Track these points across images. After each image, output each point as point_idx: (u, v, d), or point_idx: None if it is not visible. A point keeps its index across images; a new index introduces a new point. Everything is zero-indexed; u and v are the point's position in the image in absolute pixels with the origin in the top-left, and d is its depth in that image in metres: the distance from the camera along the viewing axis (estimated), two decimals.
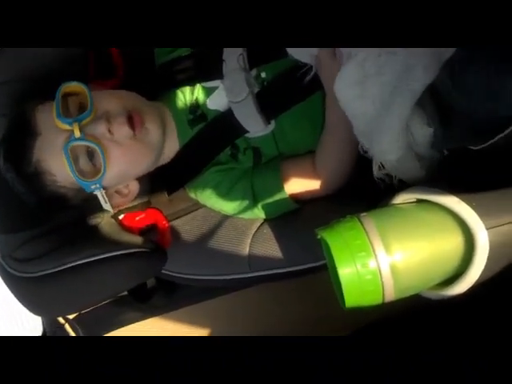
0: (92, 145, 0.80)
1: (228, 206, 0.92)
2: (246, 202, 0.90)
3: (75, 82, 0.84)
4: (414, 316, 0.75)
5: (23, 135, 0.82)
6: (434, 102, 0.61)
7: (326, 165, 0.88)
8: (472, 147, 0.57)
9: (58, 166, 0.81)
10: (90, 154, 0.82)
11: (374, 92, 0.64)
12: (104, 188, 0.86)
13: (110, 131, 0.82)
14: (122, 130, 0.82)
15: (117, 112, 0.83)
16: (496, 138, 0.53)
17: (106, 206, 0.89)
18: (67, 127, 0.80)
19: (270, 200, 0.89)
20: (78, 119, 0.80)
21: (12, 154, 0.83)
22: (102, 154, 0.81)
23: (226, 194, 0.91)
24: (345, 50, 0.71)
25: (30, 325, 1.58)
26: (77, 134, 0.79)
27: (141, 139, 0.84)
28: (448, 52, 0.57)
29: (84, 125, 0.80)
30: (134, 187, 0.92)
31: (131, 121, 0.83)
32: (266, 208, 0.90)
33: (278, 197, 0.88)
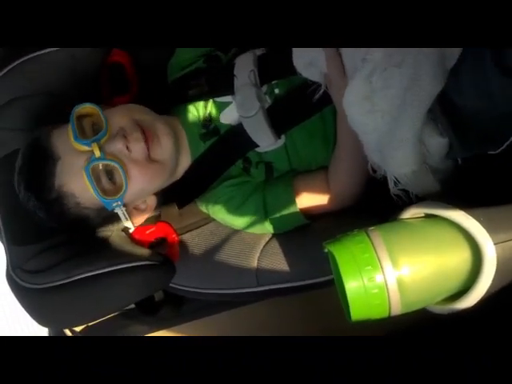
0: (113, 163, 0.82)
1: (239, 221, 0.93)
2: (257, 217, 0.91)
3: (87, 103, 0.85)
4: (420, 331, 0.75)
5: (42, 162, 0.83)
6: (445, 111, 0.60)
7: (339, 181, 0.88)
8: (491, 152, 0.57)
9: (80, 187, 0.83)
10: (110, 173, 0.84)
11: (383, 106, 0.64)
12: (124, 205, 0.88)
13: (127, 148, 0.83)
14: (139, 147, 0.84)
15: (131, 127, 0.84)
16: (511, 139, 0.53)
17: (127, 223, 0.91)
18: (86, 148, 0.82)
19: (281, 215, 0.89)
20: (96, 139, 0.82)
21: (33, 181, 0.85)
22: (122, 171, 0.82)
23: (237, 208, 0.91)
24: (350, 65, 0.70)
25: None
26: (97, 153, 0.81)
27: (156, 157, 0.86)
28: (453, 59, 0.57)
29: (102, 144, 0.82)
30: (152, 202, 0.94)
31: (145, 134, 0.84)
32: (276, 223, 0.90)
33: (289, 211, 0.89)
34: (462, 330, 0.61)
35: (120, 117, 0.86)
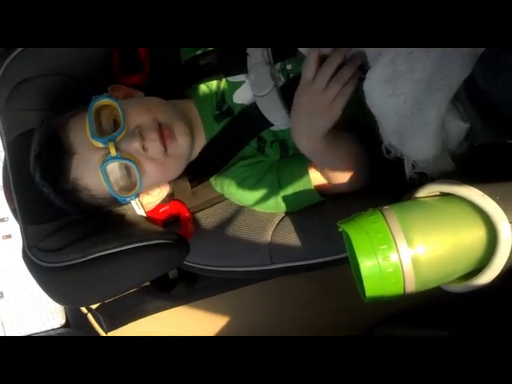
0: (128, 162, 0.82)
1: (254, 200, 0.93)
2: (272, 195, 0.91)
3: (107, 98, 0.84)
4: (435, 308, 0.75)
5: (59, 154, 0.83)
6: (470, 96, 0.59)
7: (335, 182, 0.87)
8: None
9: (95, 182, 0.83)
10: (125, 169, 0.84)
11: (406, 90, 0.62)
12: (138, 195, 0.88)
13: (143, 147, 0.83)
14: (155, 147, 0.83)
15: (148, 126, 0.83)
16: None
17: (140, 211, 0.92)
18: (102, 145, 0.81)
19: (295, 192, 0.89)
20: (113, 137, 0.81)
21: (49, 173, 0.85)
22: (137, 170, 0.82)
23: (252, 187, 0.92)
24: (373, 50, 0.69)
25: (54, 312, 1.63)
26: (113, 152, 0.81)
27: (172, 154, 0.86)
28: None
29: (118, 141, 0.82)
30: (166, 189, 0.95)
31: (162, 133, 0.84)
32: (291, 200, 0.90)
33: (304, 189, 0.89)
34: (476, 309, 0.61)
35: (138, 113, 0.84)
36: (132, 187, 0.85)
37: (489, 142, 0.63)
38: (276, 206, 0.92)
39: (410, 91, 0.62)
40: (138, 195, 0.89)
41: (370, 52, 0.70)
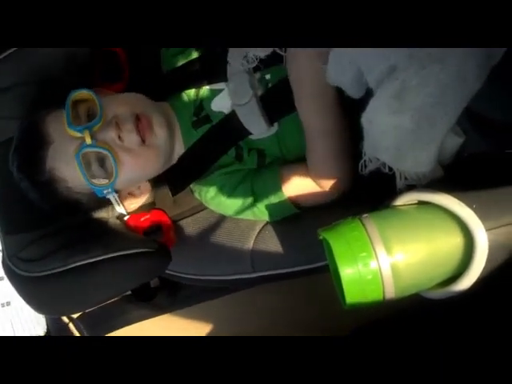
0: (103, 151, 0.83)
1: (230, 209, 0.93)
2: (246, 204, 0.91)
3: (84, 89, 0.85)
4: (414, 314, 0.76)
5: (36, 145, 0.84)
6: (469, 110, 0.59)
7: (316, 170, 0.85)
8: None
9: (71, 172, 0.84)
10: (101, 160, 0.84)
11: (415, 104, 0.60)
12: (116, 191, 0.88)
13: (119, 137, 0.83)
14: (131, 137, 0.84)
15: (125, 117, 0.84)
16: None
17: (119, 208, 0.92)
18: (78, 135, 0.82)
19: (269, 202, 0.89)
20: (89, 126, 0.82)
21: (26, 163, 0.85)
22: (113, 159, 0.83)
23: (228, 197, 0.92)
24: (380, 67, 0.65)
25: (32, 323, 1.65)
26: (88, 141, 0.81)
27: (150, 145, 0.86)
28: (498, 58, 0.55)
29: (95, 131, 0.82)
30: (146, 187, 0.95)
31: (139, 125, 0.84)
32: (266, 210, 0.90)
33: (277, 199, 0.88)
34: (455, 316, 0.62)
35: (116, 105, 0.86)
36: (108, 178, 0.85)
37: (480, 152, 0.64)
38: (252, 214, 0.92)
39: (419, 105, 0.60)
40: (117, 192, 0.88)
41: (375, 71, 0.66)
